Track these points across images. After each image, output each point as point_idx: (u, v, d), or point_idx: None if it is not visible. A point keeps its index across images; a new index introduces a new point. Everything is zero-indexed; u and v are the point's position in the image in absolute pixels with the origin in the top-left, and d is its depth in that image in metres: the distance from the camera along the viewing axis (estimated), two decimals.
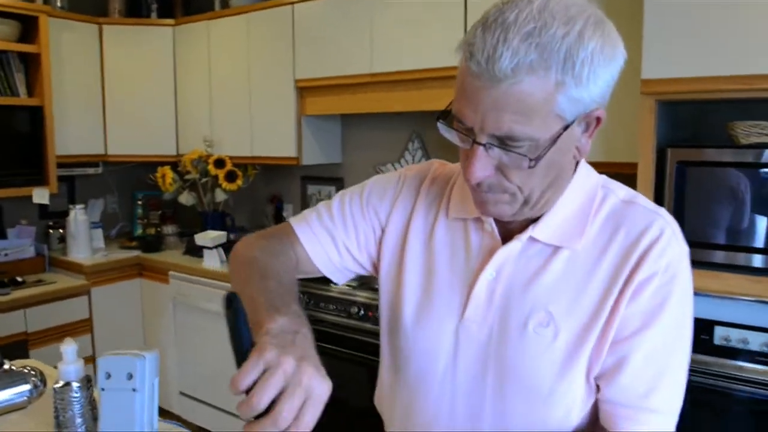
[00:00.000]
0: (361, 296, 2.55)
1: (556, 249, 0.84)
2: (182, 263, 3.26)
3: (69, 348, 1.14)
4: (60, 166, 3.32)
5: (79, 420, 1.15)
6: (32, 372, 1.22)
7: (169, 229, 3.79)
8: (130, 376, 1.10)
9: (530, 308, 0.84)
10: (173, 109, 3.62)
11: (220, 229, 3.33)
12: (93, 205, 3.70)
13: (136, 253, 3.49)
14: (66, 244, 3.47)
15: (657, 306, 0.81)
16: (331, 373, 0.70)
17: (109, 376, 1.10)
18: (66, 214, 3.46)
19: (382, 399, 1.07)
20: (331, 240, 1.01)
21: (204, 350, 3.13)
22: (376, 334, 2.42)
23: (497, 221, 0.89)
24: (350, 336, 2.50)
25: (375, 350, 2.43)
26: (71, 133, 3.38)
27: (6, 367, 1.22)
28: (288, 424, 0.63)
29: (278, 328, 0.71)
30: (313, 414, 0.65)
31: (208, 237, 3.10)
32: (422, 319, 0.93)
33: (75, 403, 1.14)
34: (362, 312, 2.50)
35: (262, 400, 0.63)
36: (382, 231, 1.00)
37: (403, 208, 0.99)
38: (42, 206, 3.56)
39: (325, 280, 2.72)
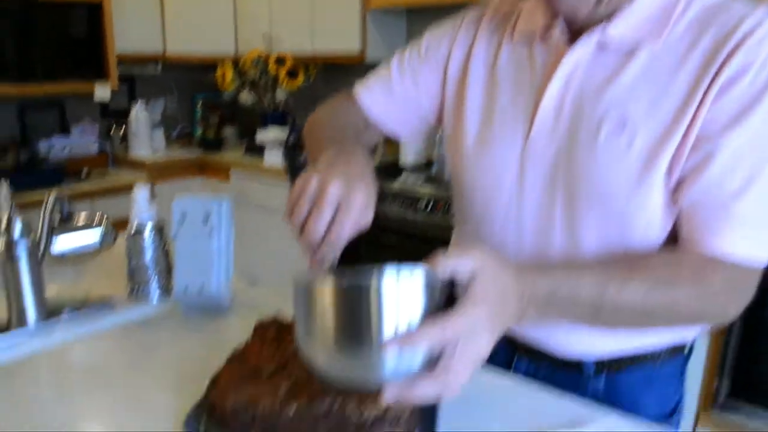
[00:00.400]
0: (428, 189, 2.44)
1: (632, 52, 0.76)
2: (243, 162, 3.22)
3: (141, 193, 1.07)
4: (119, 63, 3.27)
5: (151, 270, 1.09)
6: (103, 221, 1.17)
7: (228, 130, 3.74)
8: (206, 219, 1.03)
9: (603, 113, 0.77)
10: (231, 4, 3.49)
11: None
12: (153, 105, 3.66)
13: (197, 152, 3.46)
14: (128, 143, 3.48)
15: (750, 101, 0.70)
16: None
17: (184, 219, 1.04)
18: (126, 114, 3.45)
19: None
20: (392, 93, 1.00)
21: (265, 248, 3.11)
22: (445, 229, 2.33)
23: (568, 28, 0.81)
24: (418, 233, 2.42)
25: (445, 245, 2.34)
26: (130, 31, 3.31)
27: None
28: (316, 235, 0.66)
29: (324, 157, 0.73)
30: (341, 224, 0.66)
31: (269, 135, 3.03)
32: (484, 145, 0.89)
33: (147, 250, 1.08)
34: (430, 206, 2.40)
35: (296, 214, 0.67)
36: (444, 72, 0.96)
37: (464, 42, 0.95)
38: (103, 106, 3.56)
39: (388, 174, 2.65)
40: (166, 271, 1.12)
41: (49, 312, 1.04)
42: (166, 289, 1.12)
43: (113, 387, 0.86)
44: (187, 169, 3.38)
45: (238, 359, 0.79)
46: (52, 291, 1.08)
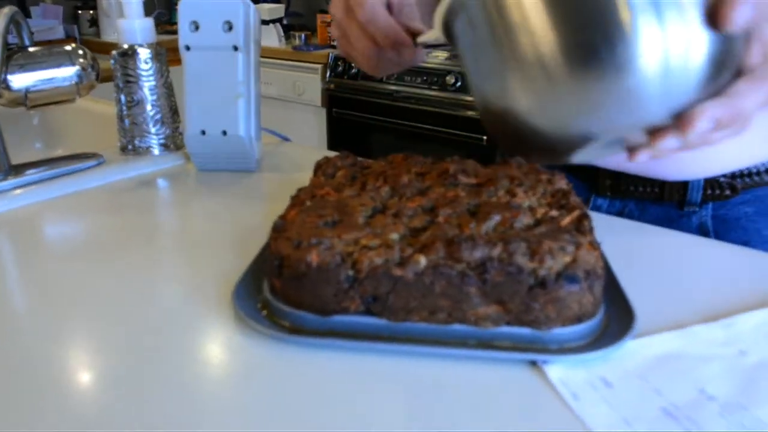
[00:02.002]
0: (457, 64, 2.13)
1: None
2: None
3: None
4: None
5: (150, 106, 0.79)
6: (80, 51, 0.85)
7: None
8: (229, 27, 0.72)
9: None
10: None
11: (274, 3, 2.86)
12: None
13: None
14: (98, 28, 3.08)
15: None
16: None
17: (197, 26, 0.73)
18: None
19: None
20: None
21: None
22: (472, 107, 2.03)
23: None
24: (446, 112, 2.11)
25: (478, 127, 2.05)
26: None
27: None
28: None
29: None
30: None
31: (263, 9, 2.64)
32: None
33: (145, 79, 0.78)
34: (459, 82, 2.09)
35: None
36: None
37: None
38: None
39: None
40: (171, 112, 0.82)
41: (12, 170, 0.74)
42: (172, 139, 0.83)
43: (103, 261, 0.58)
44: (168, 54, 3.00)
45: (309, 198, 0.51)
46: (13, 145, 0.78)
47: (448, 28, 0.46)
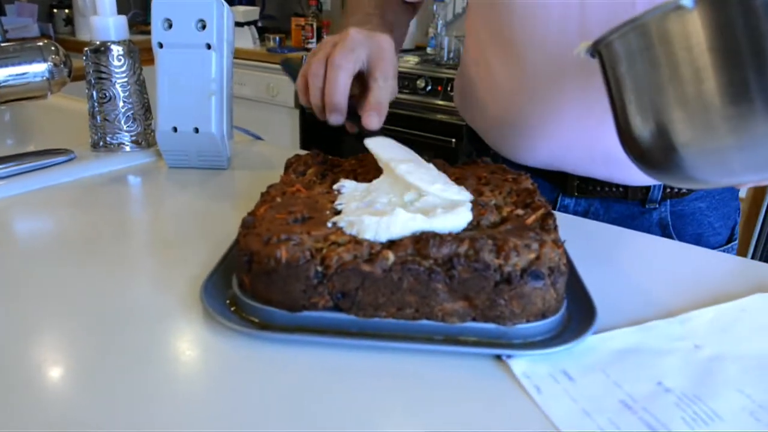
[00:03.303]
0: (428, 69, 2.14)
1: None
2: None
3: None
4: None
5: (122, 103, 0.79)
6: (52, 47, 0.85)
7: None
8: (202, 26, 0.72)
9: None
10: None
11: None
12: None
13: None
14: (74, 27, 3.04)
15: None
16: None
17: (170, 24, 0.73)
18: None
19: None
20: None
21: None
22: (447, 112, 2.05)
23: None
24: (417, 115, 2.13)
25: (447, 130, 2.07)
26: None
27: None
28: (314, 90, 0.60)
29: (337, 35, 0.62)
30: (333, 75, 0.57)
31: (238, 11, 2.64)
32: None
33: (117, 76, 0.78)
34: (430, 86, 2.10)
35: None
36: None
37: None
38: None
39: None
40: (143, 109, 0.82)
41: None
42: (144, 135, 0.82)
43: (73, 257, 0.57)
44: (143, 54, 2.97)
45: (279, 195, 0.51)
46: None
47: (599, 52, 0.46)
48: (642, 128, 0.43)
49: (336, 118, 0.60)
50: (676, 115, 0.41)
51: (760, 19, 0.36)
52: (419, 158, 0.57)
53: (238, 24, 2.65)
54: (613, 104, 0.46)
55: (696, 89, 0.39)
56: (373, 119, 0.58)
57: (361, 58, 0.58)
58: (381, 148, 0.57)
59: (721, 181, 0.44)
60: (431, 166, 0.55)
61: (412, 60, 2.27)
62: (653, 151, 0.43)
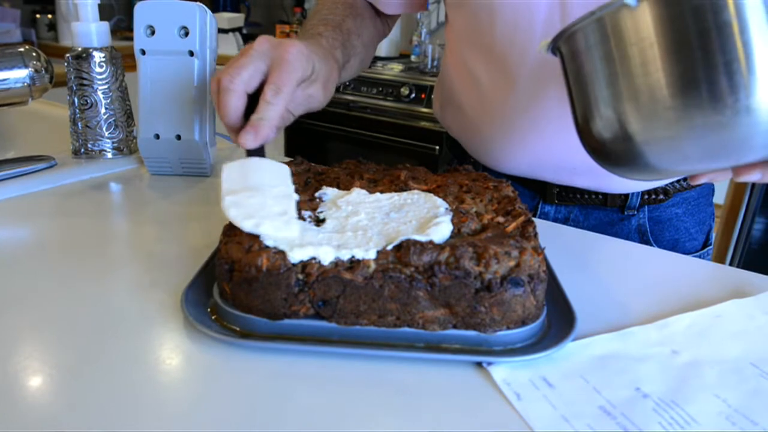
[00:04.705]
0: (411, 76, 2.15)
1: None
2: None
3: None
4: None
5: (104, 109, 0.79)
6: (33, 53, 0.84)
7: None
8: (185, 33, 0.72)
9: None
10: None
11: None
12: None
13: None
14: (57, 32, 3.02)
15: None
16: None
17: (153, 31, 0.73)
18: None
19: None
20: None
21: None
22: (431, 119, 2.06)
23: None
24: (400, 122, 2.13)
25: (431, 137, 2.08)
26: None
27: None
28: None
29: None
30: (222, 99, 0.53)
31: (223, 18, 2.63)
32: None
33: (99, 82, 0.77)
34: (414, 94, 2.11)
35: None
36: None
37: None
38: None
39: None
40: (125, 116, 0.82)
41: None
42: (125, 142, 0.82)
43: (53, 265, 0.57)
44: (126, 60, 2.95)
45: None
46: None
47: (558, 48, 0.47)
48: (598, 120, 0.45)
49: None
50: (628, 106, 0.42)
51: (706, 13, 0.38)
52: (288, 185, 0.52)
53: (222, 31, 2.64)
54: (572, 99, 0.47)
55: (646, 81, 0.41)
56: (247, 138, 0.53)
57: (260, 70, 0.54)
58: (239, 172, 0.51)
59: (679, 168, 0.45)
60: (294, 196, 0.50)
61: (396, 68, 2.28)
62: (609, 144, 0.45)
